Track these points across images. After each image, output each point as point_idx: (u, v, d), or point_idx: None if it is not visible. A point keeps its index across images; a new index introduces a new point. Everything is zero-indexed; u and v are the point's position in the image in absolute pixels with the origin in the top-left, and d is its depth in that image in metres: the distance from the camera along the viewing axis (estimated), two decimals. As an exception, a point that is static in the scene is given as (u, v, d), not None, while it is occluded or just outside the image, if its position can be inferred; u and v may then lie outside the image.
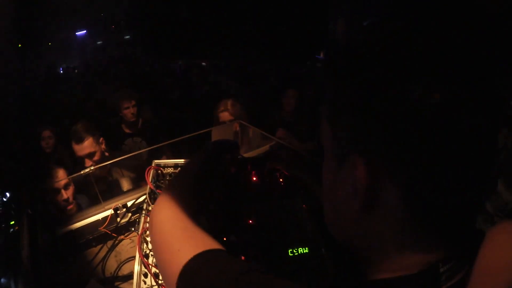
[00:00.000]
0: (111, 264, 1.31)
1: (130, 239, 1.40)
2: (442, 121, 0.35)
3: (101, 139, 2.41)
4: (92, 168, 1.63)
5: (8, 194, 1.10)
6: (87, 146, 2.25)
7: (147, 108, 3.98)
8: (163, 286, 0.94)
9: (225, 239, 0.95)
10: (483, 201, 0.45)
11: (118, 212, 1.39)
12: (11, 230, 0.97)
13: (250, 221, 0.99)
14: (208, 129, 1.96)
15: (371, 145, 0.40)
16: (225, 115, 2.48)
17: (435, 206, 0.39)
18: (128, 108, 3.06)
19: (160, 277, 0.95)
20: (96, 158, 2.28)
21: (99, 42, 9.73)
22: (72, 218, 1.56)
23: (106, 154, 2.45)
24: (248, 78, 5.54)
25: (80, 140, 2.24)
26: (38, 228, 1.12)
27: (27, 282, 0.85)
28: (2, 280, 0.85)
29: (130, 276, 1.23)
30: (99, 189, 1.62)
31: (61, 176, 2.00)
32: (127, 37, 8.95)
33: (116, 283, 1.22)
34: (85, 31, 9.50)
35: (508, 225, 0.38)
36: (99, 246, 1.39)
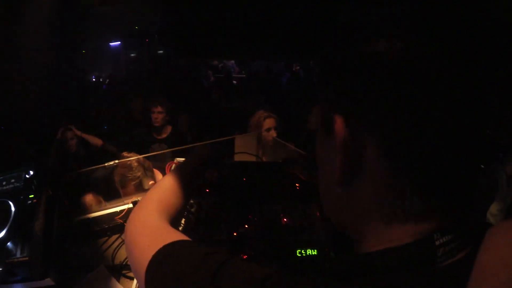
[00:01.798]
0: (122, 254, 1.32)
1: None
2: (406, 69, 0.36)
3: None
4: (116, 161, 1.68)
5: (32, 172, 1.13)
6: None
7: (185, 118, 4.10)
8: None
9: (235, 233, 0.96)
10: (481, 165, 0.41)
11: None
12: (29, 202, 1.00)
13: (260, 220, 0.99)
14: (232, 137, 1.99)
15: (347, 102, 0.41)
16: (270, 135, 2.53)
17: (418, 165, 0.38)
18: (153, 112, 3.21)
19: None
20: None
21: (132, 54, 9.99)
22: (91, 208, 1.61)
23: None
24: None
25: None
26: (56, 210, 1.15)
27: (34, 250, 0.86)
28: (9, 244, 0.87)
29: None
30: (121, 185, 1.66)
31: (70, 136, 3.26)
32: (161, 51, 9.16)
33: (124, 272, 1.23)
34: (119, 42, 9.67)
35: (508, 224, 0.36)
36: (114, 236, 1.41)
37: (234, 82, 7.55)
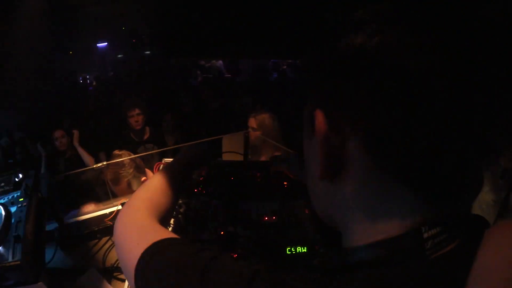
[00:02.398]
0: (113, 256, 1.32)
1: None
2: (383, 62, 0.36)
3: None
4: (104, 163, 1.68)
5: (20, 175, 1.13)
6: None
7: (169, 117, 4.09)
8: None
9: (222, 233, 0.97)
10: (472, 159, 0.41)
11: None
12: (19, 206, 0.99)
13: (249, 219, 1.00)
14: (219, 136, 1.99)
15: (326, 97, 0.41)
16: (251, 122, 2.60)
17: (401, 159, 0.37)
18: (132, 116, 3.19)
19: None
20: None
21: (119, 55, 9.85)
22: (80, 210, 1.60)
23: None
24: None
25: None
26: (45, 212, 1.15)
27: (26, 254, 0.86)
28: (0, 248, 0.87)
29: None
30: (110, 187, 1.66)
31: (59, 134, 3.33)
32: (148, 52, 9.04)
33: (115, 274, 1.23)
34: (106, 43, 9.53)
35: (507, 224, 0.36)
36: (104, 239, 1.41)
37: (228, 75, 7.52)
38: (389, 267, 0.38)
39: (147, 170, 1.17)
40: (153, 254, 0.49)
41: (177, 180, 0.82)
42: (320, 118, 0.41)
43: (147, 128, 3.37)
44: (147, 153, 2.03)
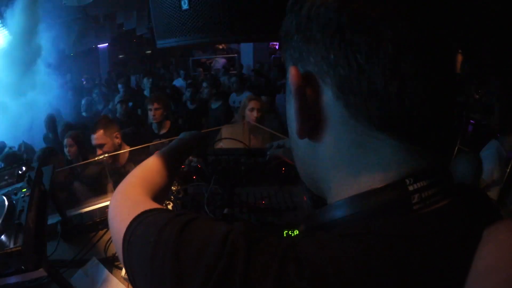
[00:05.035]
0: (114, 246, 1.33)
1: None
2: (343, 13, 0.36)
3: (116, 133, 2.61)
4: (105, 156, 1.69)
5: (24, 168, 1.15)
6: (98, 137, 2.52)
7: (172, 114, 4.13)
8: None
9: (221, 216, 0.98)
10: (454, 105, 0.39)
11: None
12: (22, 196, 1.01)
13: (246, 202, 1.01)
14: (218, 127, 2.01)
15: (298, 53, 0.41)
16: (252, 114, 2.66)
17: (372, 102, 0.36)
18: (151, 110, 3.25)
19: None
20: (106, 149, 2.51)
21: (120, 56, 9.85)
22: (82, 203, 1.62)
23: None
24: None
25: (93, 131, 2.55)
26: (47, 204, 1.16)
27: (27, 241, 0.88)
28: (3, 237, 0.88)
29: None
30: (112, 180, 1.68)
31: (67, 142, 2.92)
32: (149, 52, 9.05)
33: (116, 263, 1.24)
34: (106, 44, 9.56)
35: (506, 224, 0.36)
36: (105, 230, 1.43)
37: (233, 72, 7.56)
38: (369, 222, 0.37)
39: None
40: (140, 222, 0.49)
41: (173, 162, 0.83)
42: (293, 72, 0.41)
43: (167, 122, 3.40)
44: (147, 144, 2.04)
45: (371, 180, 0.39)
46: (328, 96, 0.39)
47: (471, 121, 2.85)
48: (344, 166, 0.41)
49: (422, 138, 0.38)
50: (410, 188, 0.37)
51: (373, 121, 0.37)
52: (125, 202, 0.62)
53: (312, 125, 0.42)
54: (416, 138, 0.38)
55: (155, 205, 0.56)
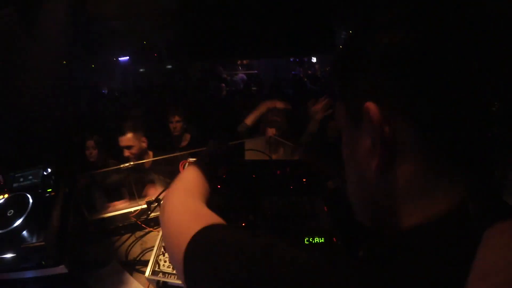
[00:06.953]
0: (135, 251, 1.35)
1: (158, 232, 1.44)
2: (424, 57, 0.39)
3: (143, 138, 2.64)
4: (131, 163, 1.73)
5: (49, 170, 1.18)
6: (126, 139, 2.56)
7: (193, 126, 4.16)
8: None
9: (243, 224, 0.99)
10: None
11: (151, 205, 1.44)
12: (47, 195, 1.04)
13: (269, 210, 1.02)
14: (242, 140, 2.02)
15: (377, 89, 0.42)
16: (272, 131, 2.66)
17: (454, 139, 0.40)
18: (172, 122, 3.27)
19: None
20: (134, 151, 2.57)
21: (141, 70, 10.02)
22: (105, 208, 1.64)
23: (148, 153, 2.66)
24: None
25: (122, 133, 2.58)
26: (71, 206, 1.19)
27: (50, 236, 0.90)
28: (26, 232, 0.91)
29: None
30: (135, 186, 1.71)
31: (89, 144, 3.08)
32: (169, 66, 9.16)
33: (137, 267, 1.25)
34: (127, 57, 9.63)
35: (506, 225, 0.36)
36: (127, 235, 1.44)
37: (254, 88, 7.63)
38: (439, 246, 0.38)
39: None
40: (205, 238, 0.51)
41: (207, 173, 0.85)
42: (374, 109, 0.41)
43: (187, 136, 3.41)
44: (167, 156, 2.07)
45: (440, 203, 0.42)
46: (409, 134, 0.41)
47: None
48: (415, 192, 0.43)
49: (484, 166, 0.42)
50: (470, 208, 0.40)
51: (451, 154, 0.41)
52: (184, 211, 0.64)
53: (391, 159, 0.43)
54: (479, 167, 0.42)
55: (216, 219, 0.58)
